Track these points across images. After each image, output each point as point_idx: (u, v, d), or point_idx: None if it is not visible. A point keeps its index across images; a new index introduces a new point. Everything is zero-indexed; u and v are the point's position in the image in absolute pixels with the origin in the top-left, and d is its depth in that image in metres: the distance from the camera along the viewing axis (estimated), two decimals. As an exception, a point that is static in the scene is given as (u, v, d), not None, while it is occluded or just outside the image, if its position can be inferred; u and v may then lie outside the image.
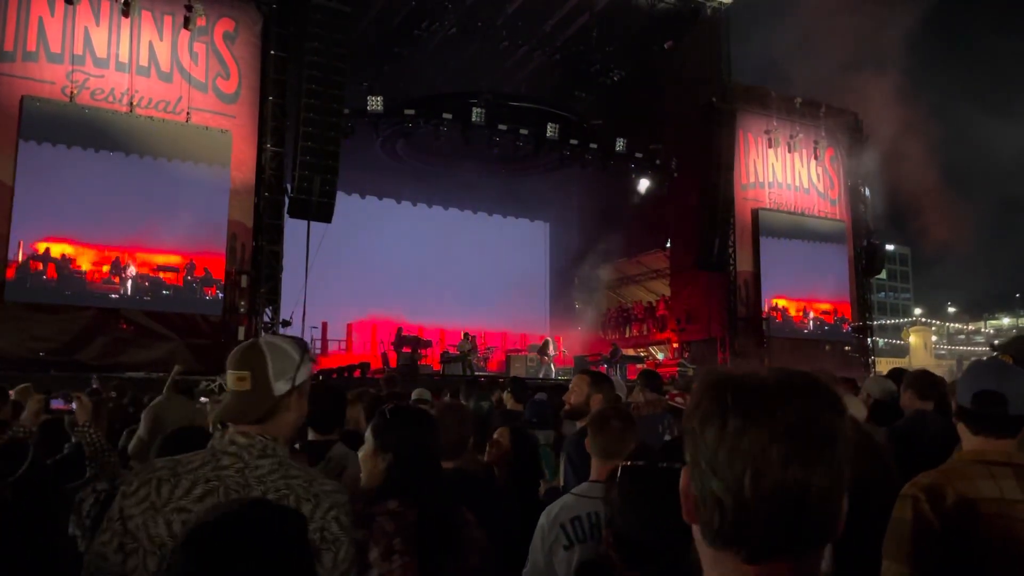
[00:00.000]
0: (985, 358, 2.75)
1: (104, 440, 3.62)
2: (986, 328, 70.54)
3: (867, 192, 23.64)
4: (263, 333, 15.35)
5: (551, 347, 20.73)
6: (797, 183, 22.35)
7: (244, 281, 15.41)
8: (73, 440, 3.63)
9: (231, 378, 1.88)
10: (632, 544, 1.94)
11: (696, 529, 0.97)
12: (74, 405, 3.84)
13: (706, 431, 0.92)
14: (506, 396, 5.53)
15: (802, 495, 0.89)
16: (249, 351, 1.90)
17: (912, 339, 59.93)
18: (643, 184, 21.95)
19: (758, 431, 0.89)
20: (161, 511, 1.72)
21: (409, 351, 18.57)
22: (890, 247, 59.74)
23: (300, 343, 2.00)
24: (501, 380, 10.74)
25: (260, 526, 1.30)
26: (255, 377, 1.86)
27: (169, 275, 14.81)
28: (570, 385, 4.12)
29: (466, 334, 19.89)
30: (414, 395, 6.50)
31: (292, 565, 1.32)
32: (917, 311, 71.50)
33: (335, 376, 16.18)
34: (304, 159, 15.40)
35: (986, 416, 2.21)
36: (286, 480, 1.80)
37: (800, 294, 21.52)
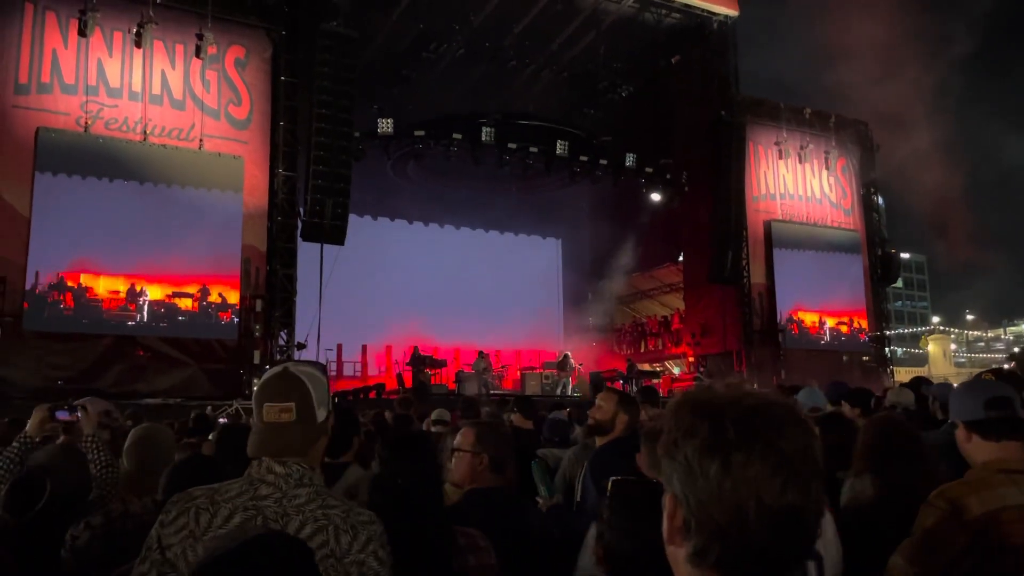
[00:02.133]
0: (976, 376, 2.81)
1: (110, 455, 3.59)
2: (1006, 335, 69.73)
3: (880, 201, 23.55)
4: (278, 357, 15.42)
5: (570, 362, 20.68)
6: (809, 194, 22.29)
7: (259, 305, 15.47)
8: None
9: (272, 411, 1.84)
10: (620, 558, 1.94)
11: (675, 551, 1.00)
12: (79, 415, 3.81)
13: (706, 463, 0.96)
14: (515, 417, 5.50)
15: (800, 519, 0.95)
16: (290, 382, 1.87)
17: (931, 348, 59.30)
18: (654, 199, 21.96)
19: (762, 463, 0.94)
20: (200, 540, 1.72)
21: (426, 371, 18.58)
22: (906, 255, 59.33)
23: (320, 366, 2.00)
24: (510, 399, 10.67)
25: (268, 559, 1.30)
26: (300, 408, 1.84)
27: (184, 301, 14.90)
28: (596, 401, 4.08)
29: (481, 352, 19.88)
30: (433, 415, 6.48)
31: None
32: (935, 319, 70.90)
33: (351, 398, 16.22)
34: (316, 183, 15.50)
35: (1001, 420, 2.26)
36: (324, 510, 1.79)
37: (815, 305, 21.40)
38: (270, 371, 1.93)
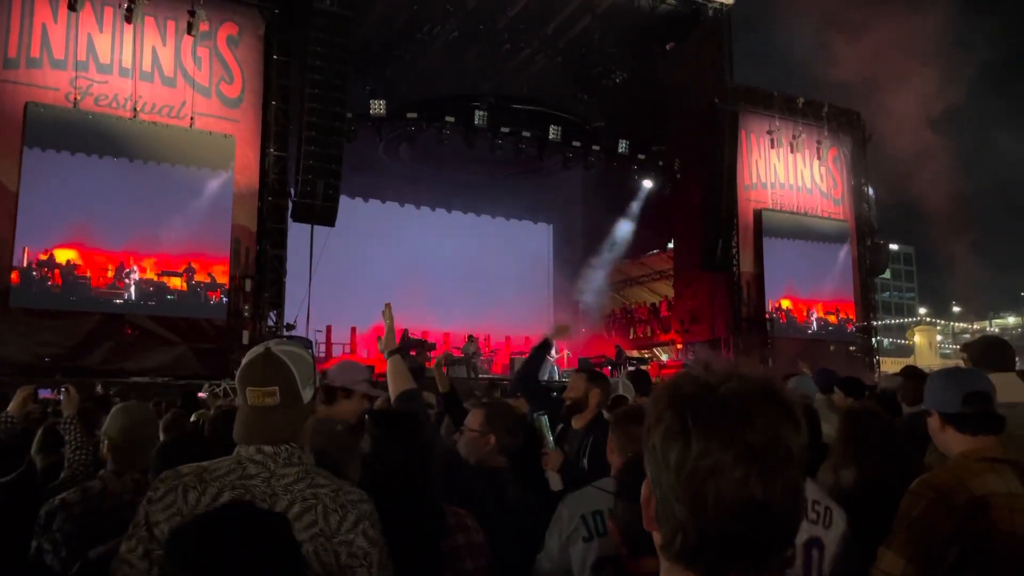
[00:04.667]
0: (951, 366, 2.80)
1: (86, 437, 3.56)
2: (991, 327, 70.21)
3: (871, 192, 23.62)
4: (272, 337, 15.39)
5: (553, 348, 20.69)
6: (800, 183, 22.34)
7: (248, 285, 15.44)
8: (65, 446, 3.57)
9: (255, 394, 1.80)
10: (635, 534, 1.94)
11: (656, 535, 0.97)
12: (61, 396, 3.79)
13: (668, 452, 0.92)
14: (519, 401, 5.54)
15: (762, 512, 0.89)
16: (273, 364, 1.82)
17: (917, 338, 59.78)
18: (646, 185, 21.96)
19: (721, 454, 0.89)
20: (188, 518, 1.69)
21: (415, 354, 18.55)
22: (894, 246, 59.59)
23: (304, 341, 1.98)
24: (506, 382, 10.76)
25: (240, 530, 1.32)
26: (284, 391, 1.80)
27: (173, 280, 14.83)
28: (568, 382, 4.22)
29: (470, 336, 19.90)
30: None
31: (273, 566, 1.35)
32: (922, 310, 71.41)
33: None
34: (307, 163, 15.43)
35: (980, 415, 2.26)
36: (313, 489, 1.76)
37: (804, 294, 21.50)
38: (253, 352, 1.87)
